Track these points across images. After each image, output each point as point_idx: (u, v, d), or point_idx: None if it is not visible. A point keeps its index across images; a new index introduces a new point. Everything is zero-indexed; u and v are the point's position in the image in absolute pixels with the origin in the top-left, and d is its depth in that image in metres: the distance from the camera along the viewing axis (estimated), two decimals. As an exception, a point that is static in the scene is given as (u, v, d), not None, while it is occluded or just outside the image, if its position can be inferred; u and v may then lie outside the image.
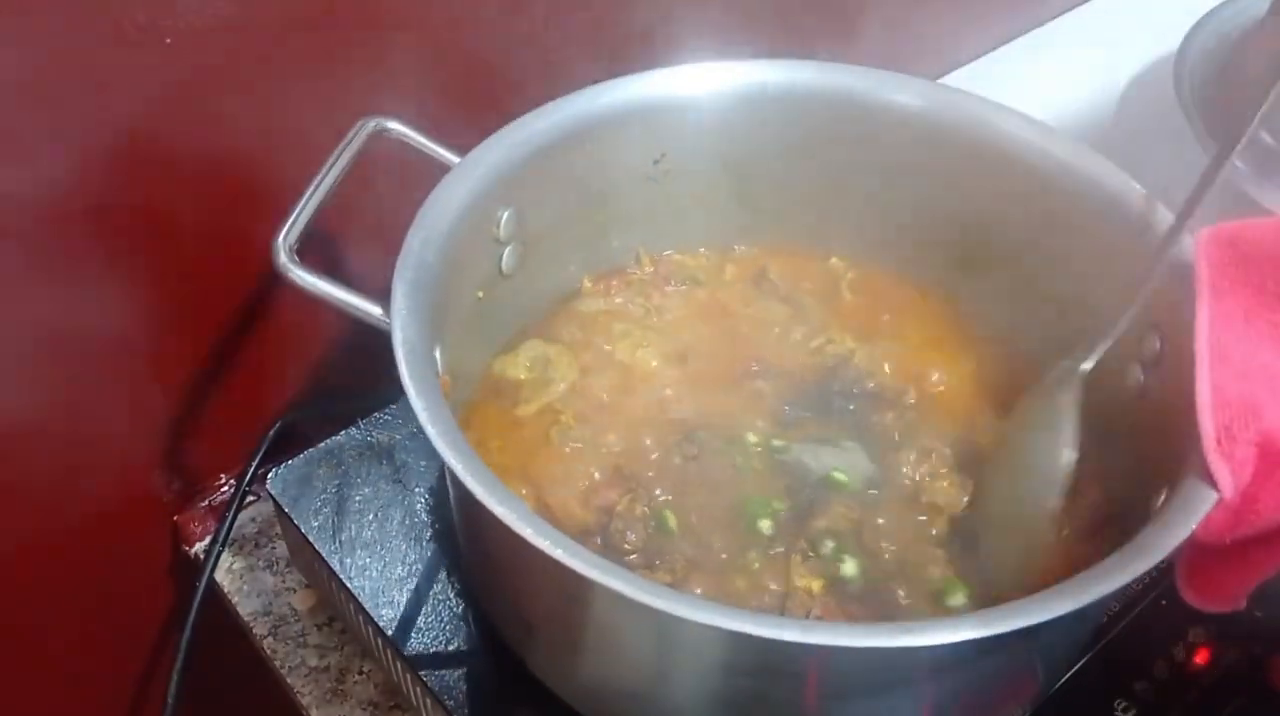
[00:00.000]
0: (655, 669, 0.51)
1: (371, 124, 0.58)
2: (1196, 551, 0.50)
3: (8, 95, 0.53)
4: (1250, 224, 0.50)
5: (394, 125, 0.58)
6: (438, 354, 0.53)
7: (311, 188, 0.54)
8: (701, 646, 0.48)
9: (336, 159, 0.56)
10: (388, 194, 0.61)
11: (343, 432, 0.68)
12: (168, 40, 0.56)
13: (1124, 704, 0.59)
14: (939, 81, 0.67)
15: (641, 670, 0.52)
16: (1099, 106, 0.94)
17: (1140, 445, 0.56)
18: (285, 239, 0.52)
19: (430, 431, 0.47)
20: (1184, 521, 0.46)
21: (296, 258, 0.52)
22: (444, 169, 0.57)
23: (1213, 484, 0.47)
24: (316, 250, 0.63)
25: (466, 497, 0.46)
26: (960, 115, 0.63)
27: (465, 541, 0.60)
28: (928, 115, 0.63)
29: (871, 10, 0.90)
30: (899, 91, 0.64)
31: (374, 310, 0.51)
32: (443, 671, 0.58)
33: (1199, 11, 0.90)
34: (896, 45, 0.94)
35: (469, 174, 0.57)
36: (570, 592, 0.49)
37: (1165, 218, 0.56)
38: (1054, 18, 1.06)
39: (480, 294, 0.60)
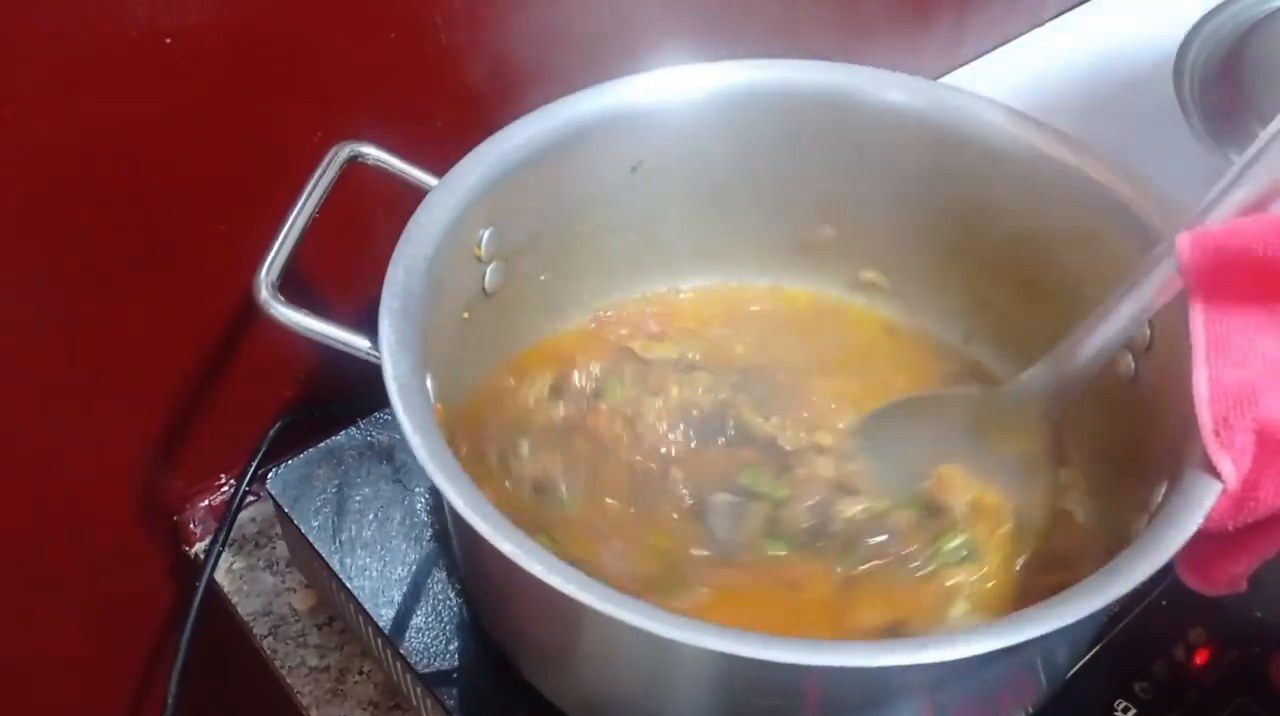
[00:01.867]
0: (652, 687, 0.51)
1: (346, 150, 0.57)
2: (1197, 537, 0.50)
3: (8, 93, 0.53)
4: (1238, 228, 0.49)
5: (369, 150, 0.58)
6: (429, 383, 0.52)
7: (290, 218, 0.54)
8: (698, 667, 0.48)
9: (314, 187, 0.55)
10: (368, 219, 0.61)
11: (343, 433, 0.68)
12: (167, 40, 0.56)
13: (1124, 704, 0.59)
14: (938, 81, 0.66)
15: (639, 691, 0.52)
16: (1099, 106, 0.94)
17: (1133, 433, 0.56)
18: (266, 274, 0.51)
19: (428, 465, 0.46)
20: (1191, 515, 0.46)
21: (279, 294, 0.51)
22: (422, 192, 0.57)
23: (1215, 474, 0.47)
24: (299, 279, 0.63)
25: (470, 533, 0.46)
26: (944, 111, 0.62)
27: (465, 569, 0.60)
28: (909, 111, 0.63)
29: (871, 10, 0.90)
30: (879, 88, 0.63)
31: (361, 343, 0.51)
32: (442, 671, 0.58)
33: (1199, 11, 0.90)
34: (896, 45, 0.94)
35: (448, 195, 0.57)
36: (574, 622, 0.49)
37: (1149, 201, 0.56)
38: (1054, 17, 1.06)
39: (466, 315, 0.60)
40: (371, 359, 0.50)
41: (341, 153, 0.57)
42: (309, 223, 0.54)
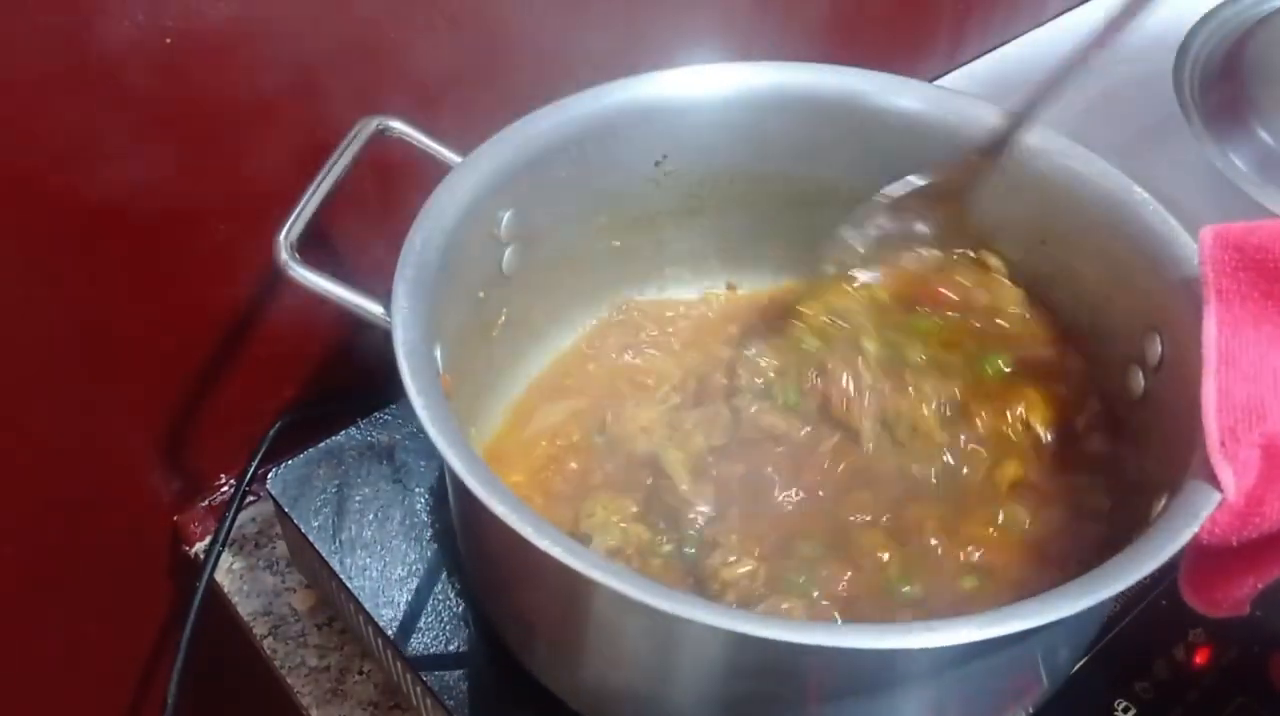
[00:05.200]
0: (656, 670, 0.51)
1: (374, 123, 0.58)
2: (1201, 555, 0.50)
3: (8, 93, 0.53)
4: (1257, 227, 0.50)
5: (396, 124, 0.58)
6: (438, 353, 0.53)
7: (314, 185, 0.54)
8: (702, 647, 0.48)
9: (339, 157, 0.56)
10: (391, 193, 0.61)
11: (343, 433, 0.68)
12: (168, 40, 0.56)
13: (1124, 704, 0.59)
14: (939, 82, 0.67)
15: (642, 671, 0.52)
16: (1099, 106, 0.94)
17: (1142, 450, 0.56)
18: (287, 236, 0.52)
19: (430, 429, 0.47)
20: (1187, 523, 0.46)
21: (298, 255, 0.52)
22: (446, 169, 0.57)
23: (1216, 485, 0.47)
24: (319, 248, 0.63)
25: (466, 497, 0.46)
26: (960, 118, 0.63)
27: (465, 542, 0.60)
28: (927, 118, 0.63)
29: (871, 10, 0.90)
30: (898, 94, 0.64)
31: (375, 308, 0.52)
32: (443, 671, 0.58)
33: (1199, 11, 0.90)
34: (897, 45, 0.94)
35: (470, 174, 0.57)
36: (570, 593, 0.49)
37: (1165, 220, 0.56)
38: (1054, 18, 1.06)
39: (482, 294, 0.60)
40: (383, 324, 0.51)
41: (368, 126, 0.57)
42: (332, 191, 0.55)
